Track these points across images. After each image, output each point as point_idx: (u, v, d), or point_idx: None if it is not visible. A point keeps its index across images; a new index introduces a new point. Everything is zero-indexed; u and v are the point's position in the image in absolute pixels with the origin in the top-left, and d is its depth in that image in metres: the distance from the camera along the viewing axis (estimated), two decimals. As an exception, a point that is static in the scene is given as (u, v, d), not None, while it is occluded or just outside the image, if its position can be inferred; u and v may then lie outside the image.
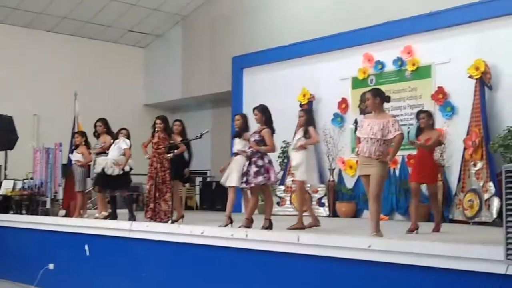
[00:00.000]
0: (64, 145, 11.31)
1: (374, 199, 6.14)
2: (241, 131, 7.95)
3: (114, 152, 9.24)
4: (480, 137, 8.91)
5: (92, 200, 13.23)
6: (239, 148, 7.87)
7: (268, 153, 7.28)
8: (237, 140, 7.99)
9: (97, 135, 9.90)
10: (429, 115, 7.64)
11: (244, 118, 8.10)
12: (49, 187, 10.89)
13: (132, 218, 8.92)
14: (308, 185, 7.93)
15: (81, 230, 8.72)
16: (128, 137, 9.49)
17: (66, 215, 10.79)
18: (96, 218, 9.26)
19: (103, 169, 9.10)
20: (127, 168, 9.24)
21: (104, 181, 9.20)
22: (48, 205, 10.72)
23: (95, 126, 9.92)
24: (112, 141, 9.48)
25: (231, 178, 7.86)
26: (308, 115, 7.79)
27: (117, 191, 9.35)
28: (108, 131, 9.77)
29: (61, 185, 11.20)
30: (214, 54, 14.87)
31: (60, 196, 11.17)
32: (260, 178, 7.06)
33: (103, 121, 9.89)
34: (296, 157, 7.55)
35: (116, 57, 16.32)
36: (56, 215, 10.62)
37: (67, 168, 11.24)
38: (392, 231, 6.98)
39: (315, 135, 7.60)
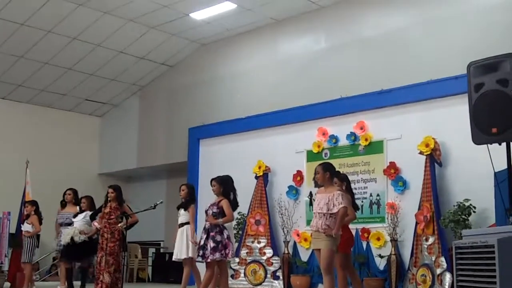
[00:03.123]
0: (13, 214, 11.03)
1: (326, 272, 6.15)
2: (186, 202, 7.92)
3: (80, 223, 9.08)
4: (431, 212, 9.08)
5: (39, 272, 12.84)
6: (183, 221, 7.83)
7: (227, 224, 7.23)
8: (182, 211, 7.94)
9: (64, 203, 9.74)
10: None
11: (191, 189, 8.10)
12: (-5, 257, 10.54)
13: (82, 290, 8.70)
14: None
15: (27, 304, 8.38)
16: (92, 205, 9.30)
17: (12, 287, 10.39)
18: None
19: (72, 238, 8.88)
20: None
21: (72, 250, 8.94)
22: (-8, 277, 10.34)
23: (64, 194, 9.77)
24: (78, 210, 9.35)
25: (181, 251, 7.76)
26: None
27: (83, 259, 9.08)
28: (76, 202, 9.61)
29: (8, 255, 10.84)
30: (171, 125, 14.93)
31: (5, 267, 10.80)
32: (217, 255, 6.97)
33: (73, 190, 9.75)
34: None
35: (71, 125, 16.18)
36: (1, 287, 10.21)
37: (15, 238, 10.93)
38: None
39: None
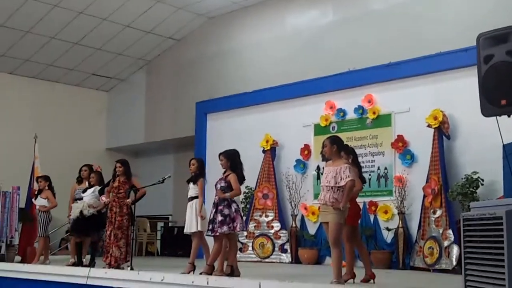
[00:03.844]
0: (23, 188, 11.12)
1: (333, 245, 6.15)
2: (196, 176, 7.95)
3: (89, 197, 9.14)
4: (439, 185, 9.07)
5: (50, 246, 12.95)
6: (192, 194, 7.87)
7: (235, 198, 7.26)
8: (191, 185, 7.97)
9: (80, 179, 9.80)
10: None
11: (200, 163, 8.11)
12: (5, 232, 10.63)
13: (92, 263, 8.77)
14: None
15: (38, 277, 8.47)
16: (100, 180, 9.34)
17: (22, 261, 10.51)
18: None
19: (81, 212, 8.96)
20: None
21: (81, 224, 9.03)
22: (3, 251, 10.44)
23: (80, 171, 9.82)
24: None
25: (191, 225, 7.81)
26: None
27: (92, 233, 9.16)
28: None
29: (17, 230, 10.95)
30: (178, 99, 14.92)
31: (16, 241, 10.91)
32: (225, 228, 7.01)
33: (89, 166, 9.81)
34: None
35: (78, 100, 16.20)
36: (11, 261, 10.35)
37: (25, 213, 11.02)
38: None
39: None
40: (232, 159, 7.33)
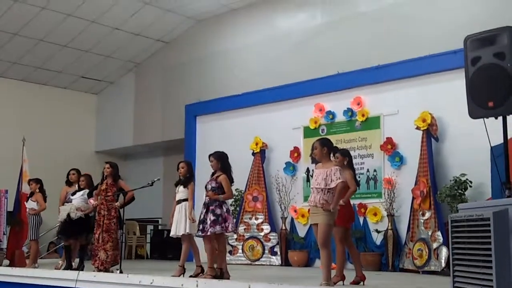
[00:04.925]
0: (11, 192, 11.06)
1: (323, 247, 6.15)
2: (186, 179, 7.94)
3: (78, 200, 9.10)
4: (428, 187, 9.11)
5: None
6: (182, 197, 7.85)
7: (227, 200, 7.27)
8: (180, 188, 7.96)
9: (69, 183, 9.76)
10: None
11: (190, 166, 8.13)
12: (-7, 235, 10.59)
13: (80, 266, 8.73)
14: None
15: (27, 281, 8.42)
16: (90, 183, 9.30)
17: (11, 264, 10.45)
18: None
19: (68, 214, 8.92)
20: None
21: (69, 227, 8.99)
22: (-9, 254, 10.39)
23: (68, 174, 9.78)
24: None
25: (180, 227, 7.78)
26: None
27: (80, 237, 9.12)
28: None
29: (6, 233, 10.89)
30: (167, 102, 14.89)
31: (4, 245, 10.85)
32: (217, 228, 7.00)
33: (77, 170, 9.77)
34: None
35: (67, 103, 16.13)
36: (0, 264, 10.28)
37: (13, 216, 10.96)
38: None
39: None
40: (222, 161, 7.34)
